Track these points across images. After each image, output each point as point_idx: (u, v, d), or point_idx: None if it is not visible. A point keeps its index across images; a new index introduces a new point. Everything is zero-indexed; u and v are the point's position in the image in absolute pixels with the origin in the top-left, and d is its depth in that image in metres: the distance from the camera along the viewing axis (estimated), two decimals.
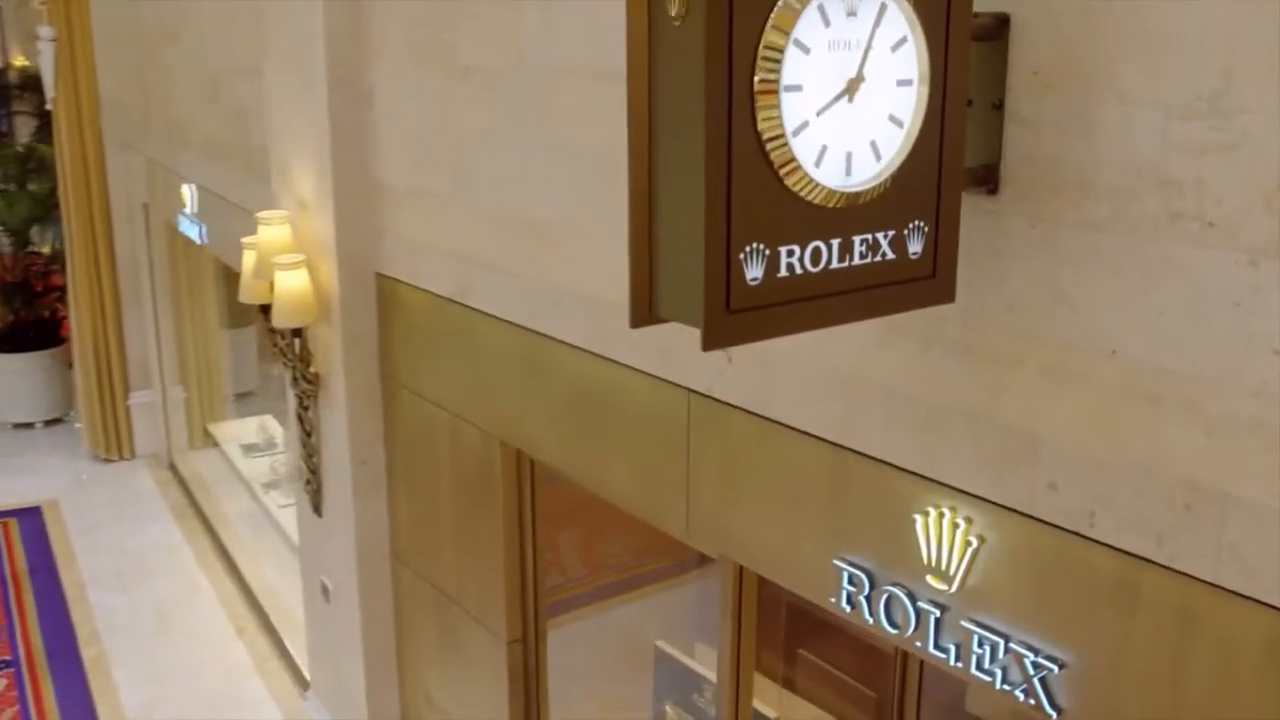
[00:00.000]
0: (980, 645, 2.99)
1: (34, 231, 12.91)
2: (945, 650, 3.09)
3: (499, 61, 4.48)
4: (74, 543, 10.29)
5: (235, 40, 7.38)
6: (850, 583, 3.33)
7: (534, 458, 4.89)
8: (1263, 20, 2.24)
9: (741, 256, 2.26)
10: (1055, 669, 2.83)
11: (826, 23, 2.24)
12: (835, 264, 2.42)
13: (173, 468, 11.70)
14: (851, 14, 2.28)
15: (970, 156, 2.66)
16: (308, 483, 6.21)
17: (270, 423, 10.82)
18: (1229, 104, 2.33)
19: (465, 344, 5.04)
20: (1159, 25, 2.41)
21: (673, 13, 2.16)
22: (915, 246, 2.56)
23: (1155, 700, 2.65)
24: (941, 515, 3.03)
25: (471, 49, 4.63)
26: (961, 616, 3.03)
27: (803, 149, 2.28)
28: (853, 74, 2.31)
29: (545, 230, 4.38)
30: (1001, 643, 2.94)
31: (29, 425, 12.83)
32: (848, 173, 2.39)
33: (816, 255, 2.38)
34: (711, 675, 4.93)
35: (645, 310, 2.42)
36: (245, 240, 5.83)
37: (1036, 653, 2.86)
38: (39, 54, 10.81)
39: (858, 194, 2.39)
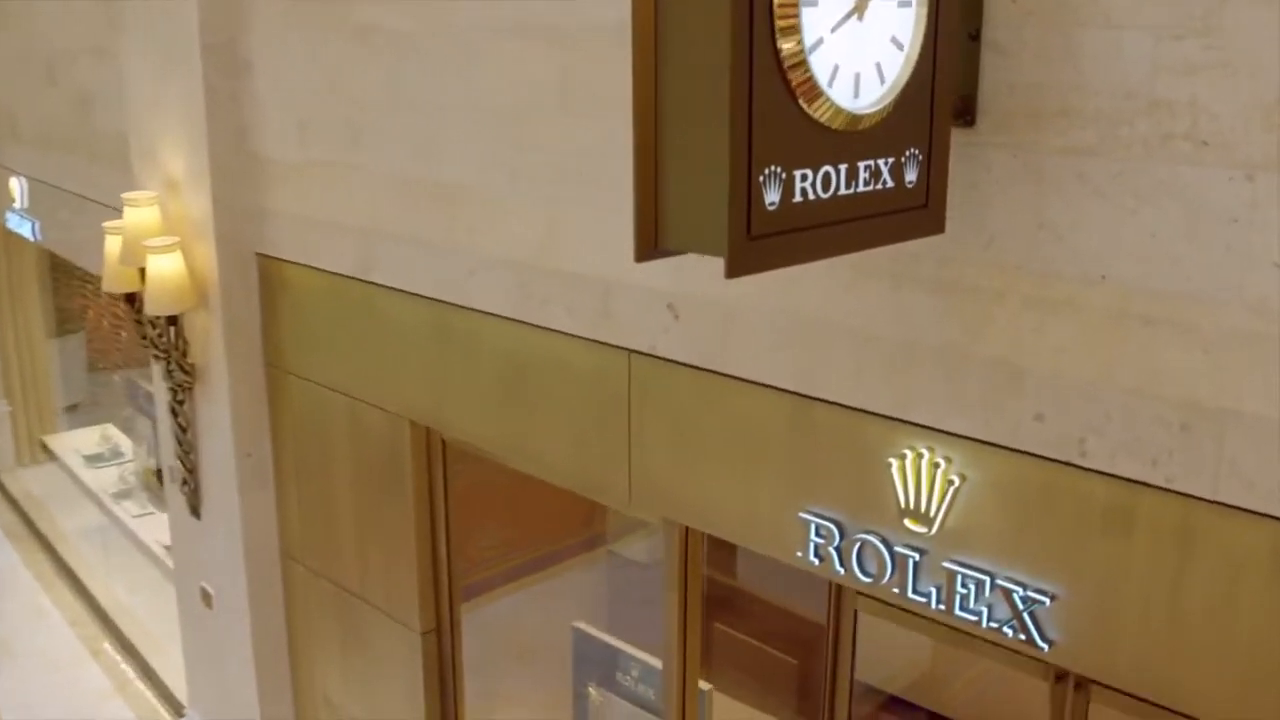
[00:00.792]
0: (964, 585, 2.96)
1: None
2: (925, 594, 3.06)
3: (404, 21, 4.25)
4: None
5: (75, 19, 6.88)
6: (818, 534, 3.26)
7: (450, 437, 4.68)
8: None
9: (761, 179, 2.16)
10: (1046, 601, 2.82)
11: None
12: (843, 190, 2.35)
13: (0, 486, 10.88)
14: None
15: None
16: (184, 483, 5.82)
17: (113, 431, 10.17)
18: (1222, 21, 2.35)
19: (367, 322, 4.78)
20: None
21: None
22: (911, 175, 2.51)
23: (1153, 625, 2.67)
24: (919, 456, 2.99)
25: (369, 8, 4.39)
26: (942, 558, 3.00)
27: (818, 66, 2.20)
28: None
29: (460, 196, 4.18)
30: (987, 580, 2.92)
31: None
32: (855, 94, 2.32)
33: (826, 180, 2.30)
34: (638, 653, 4.82)
35: (650, 242, 2.28)
36: (109, 225, 5.41)
37: (1025, 587, 2.86)
38: None
39: (863, 117, 2.33)
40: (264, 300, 5.35)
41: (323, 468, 5.27)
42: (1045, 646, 2.84)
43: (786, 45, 2.12)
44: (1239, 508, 2.49)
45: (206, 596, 5.99)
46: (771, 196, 2.19)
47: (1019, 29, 2.65)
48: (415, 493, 4.79)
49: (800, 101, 2.19)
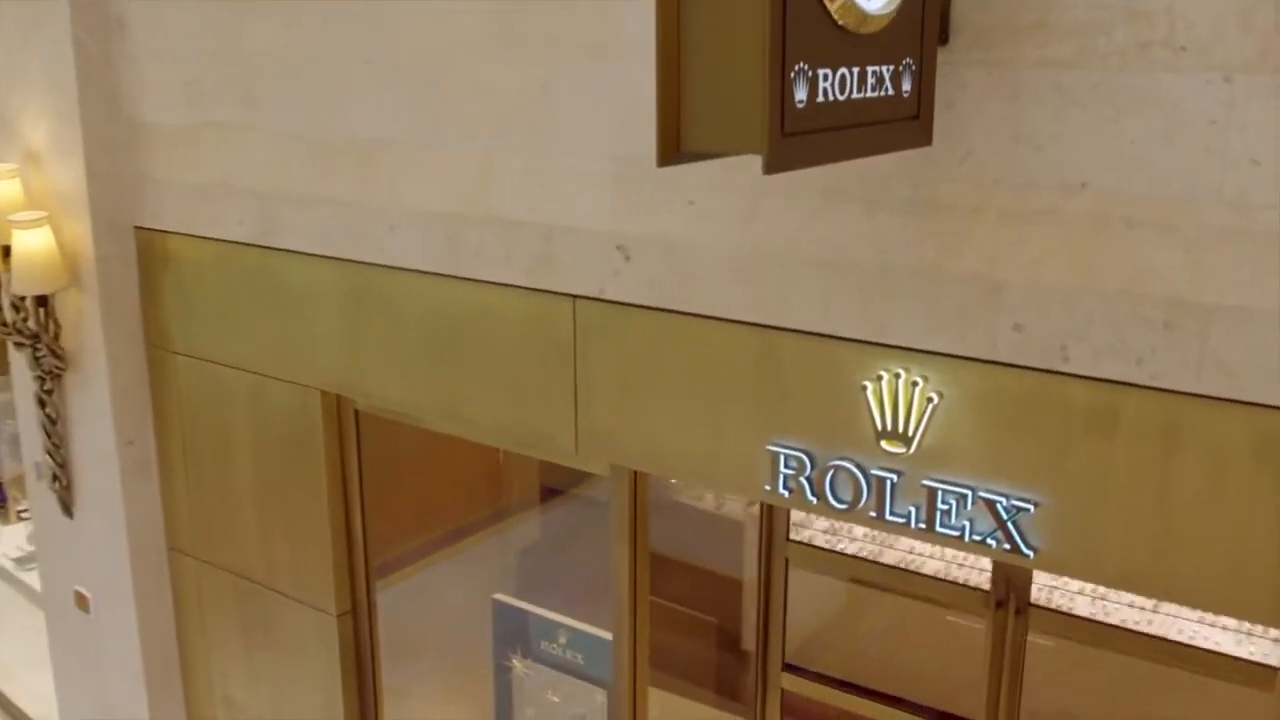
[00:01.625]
0: (945, 501, 3.01)
1: None
2: (903, 514, 3.09)
3: None
4: None
5: None
6: (788, 466, 3.27)
7: (368, 406, 4.49)
8: None
9: (792, 75, 2.15)
10: (1030, 509, 2.89)
11: None
12: (855, 94, 2.35)
13: None
14: None
15: None
16: (54, 479, 5.41)
17: None
18: None
19: (268, 291, 4.55)
20: None
21: None
22: (906, 85, 2.54)
23: (1140, 521, 2.77)
24: (896, 377, 3.03)
25: None
26: (921, 477, 3.04)
27: None
28: None
29: (376, 150, 4.01)
30: (969, 494, 2.98)
31: None
32: None
33: (843, 82, 2.30)
34: (568, 620, 4.73)
35: (674, 146, 2.24)
36: None
37: (1008, 497, 2.92)
38: None
39: (873, 18, 2.34)
40: (144, 276, 5.03)
41: (218, 451, 4.98)
42: (1030, 554, 2.91)
43: None
44: (1222, 398, 2.60)
45: (82, 600, 5.59)
46: (800, 94, 2.18)
47: None
48: (328, 467, 4.58)
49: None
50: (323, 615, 4.78)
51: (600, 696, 4.68)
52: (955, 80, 2.79)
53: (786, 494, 3.29)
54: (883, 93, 2.44)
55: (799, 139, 2.20)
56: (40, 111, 4.91)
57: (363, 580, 4.75)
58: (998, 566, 3.70)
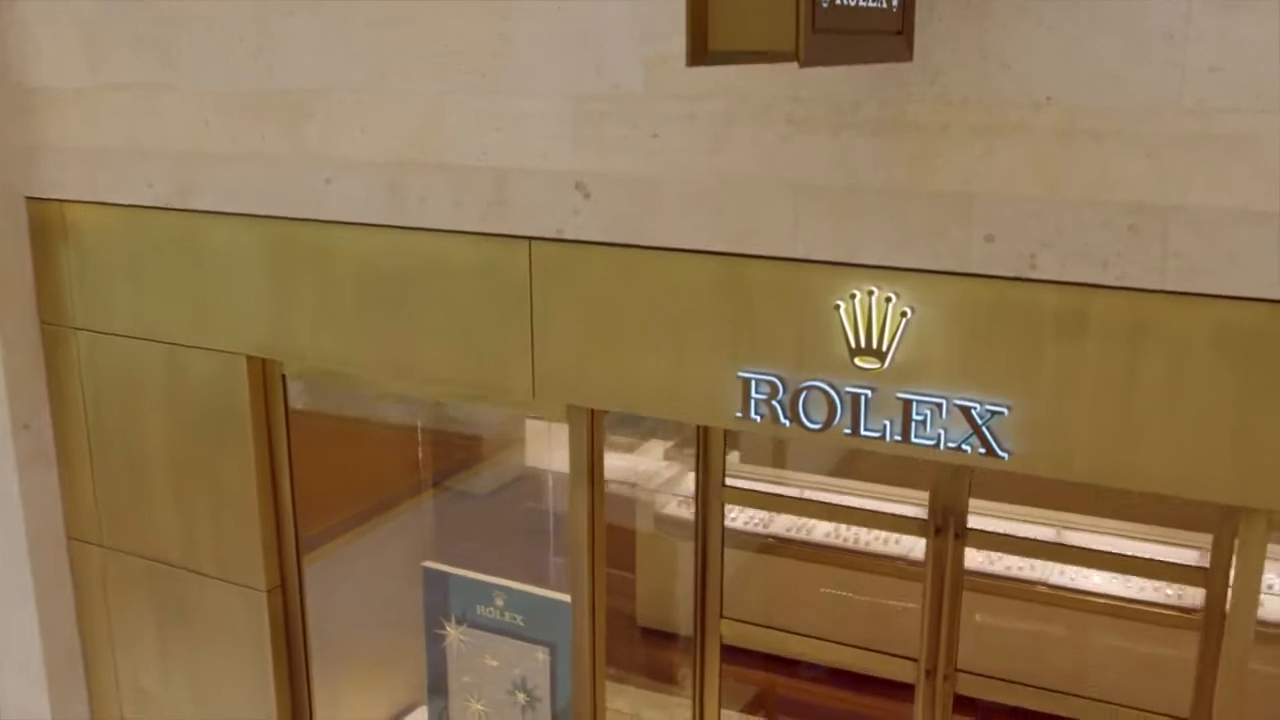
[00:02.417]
0: (920, 412, 3.14)
1: None
2: (878, 429, 3.21)
3: None
4: None
5: None
6: (759, 392, 3.35)
7: (303, 369, 4.36)
8: None
9: None
10: (1005, 411, 3.04)
11: None
12: (860, 1, 2.45)
13: None
14: None
15: None
16: None
17: None
18: None
19: (185, 256, 4.38)
20: None
21: None
22: None
23: (1108, 417, 2.95)
24: (869, 295, 3.14)
25: None
26: (896, 390, 3.17)
27: None
28: None
29: (310, 102, 3.92)
30: (943, 403, 3.11)
31: None
32: None
33: None
34: (503, 581, 4.71)
35: (703, 47, 2.29)
36: None
37: (981, 403, 3.06)
38: None
39: None
40: (38, 249, 4.77)
41: (127, 430, 4.76)
42: (1005, 456, 3.06)
43: None
44: (1185, 293, 2.80)
45: None
46: None
47: None
48: (254, 435, 4.44)
49: None
50: (250, 592, 4.63)
51: (542, 654, 4.67)
52: (924, 4, 2.91)
53: (758, 419, 3.37)
54: (878, 3, 2.55)
55: (824, 36, 2.28)
56: None
57: (292, 553, 4.61)
58: (935, 496, 3.87)
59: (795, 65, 2.23)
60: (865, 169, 3.09)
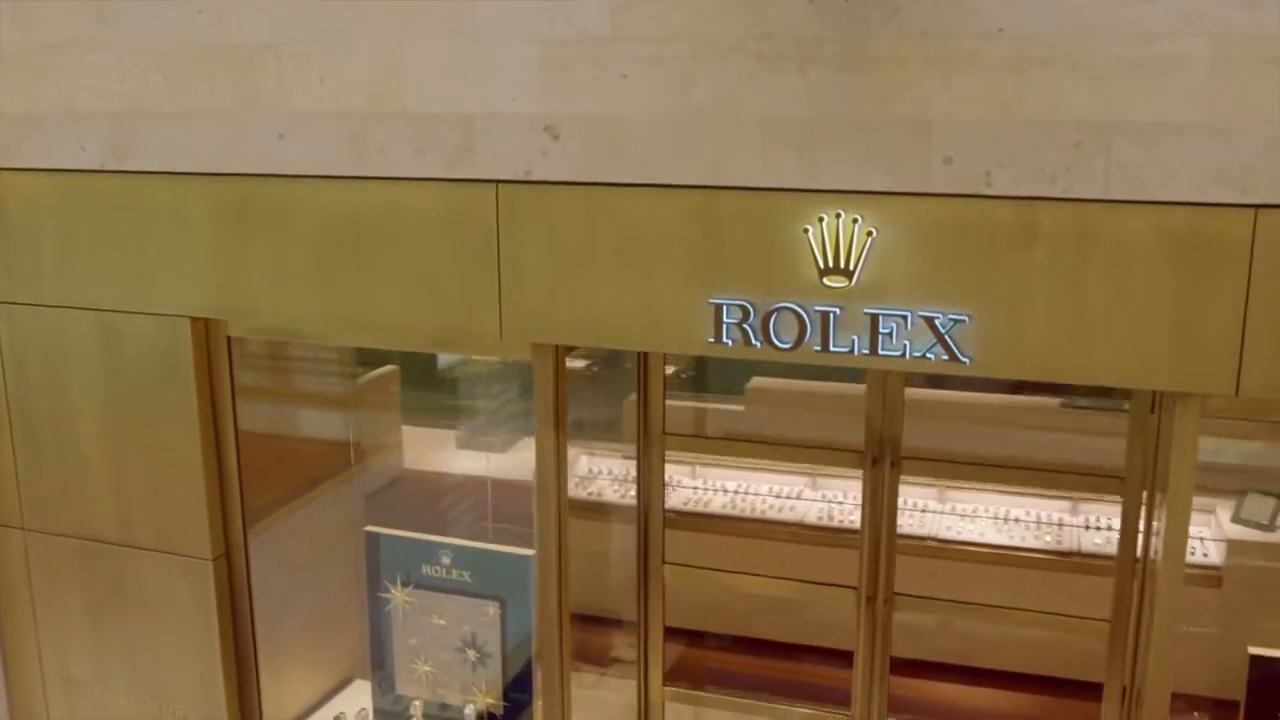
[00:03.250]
0: (886, 326, 3.39)
1: None
2: (847, 345, 3.44)
3: None
4: None
5: None
6: (730, 317, 3.54)
7: (253, 328, 4.34)
8: None
9: None
10: (966, 320, 3.31)
11: None
12: None
13: None
14: None
15: None
16: None
17: None
18: None
19: (121, 220, 4.31)
20: None
21: None
22: None
23: (1058, 319, 3.25)
24: (836, 218, 3.37)
25: None
26: (863, 307, 3.40)
27: None
28: None
29: (261, 55, 3.94)
30: (908, 316, 3.36)
31: None
32: None
33: None
34: (449, 539, 4.77)
35: None
36: None
37: (944, 314, 3.33)
38: None
39: None
40: None
41: (56, 406, 4.63)
42: (967, 361, 3.33)
43: None
44: (1126, 201, 3.12)
45: None
46: None
47: None
48: (199, 398, 4.40)
49: None
50: (194, 561, 4.56)
51: (493, 609, 4.74)
52: None
53: (730, 343, 3.56)
54: None
55: None
56: None
57: (238, 520, 4.57)
58: (870, 427, 4.14)
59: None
60: (830, 101, 3.32)
